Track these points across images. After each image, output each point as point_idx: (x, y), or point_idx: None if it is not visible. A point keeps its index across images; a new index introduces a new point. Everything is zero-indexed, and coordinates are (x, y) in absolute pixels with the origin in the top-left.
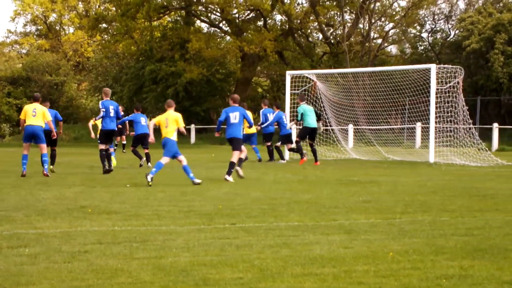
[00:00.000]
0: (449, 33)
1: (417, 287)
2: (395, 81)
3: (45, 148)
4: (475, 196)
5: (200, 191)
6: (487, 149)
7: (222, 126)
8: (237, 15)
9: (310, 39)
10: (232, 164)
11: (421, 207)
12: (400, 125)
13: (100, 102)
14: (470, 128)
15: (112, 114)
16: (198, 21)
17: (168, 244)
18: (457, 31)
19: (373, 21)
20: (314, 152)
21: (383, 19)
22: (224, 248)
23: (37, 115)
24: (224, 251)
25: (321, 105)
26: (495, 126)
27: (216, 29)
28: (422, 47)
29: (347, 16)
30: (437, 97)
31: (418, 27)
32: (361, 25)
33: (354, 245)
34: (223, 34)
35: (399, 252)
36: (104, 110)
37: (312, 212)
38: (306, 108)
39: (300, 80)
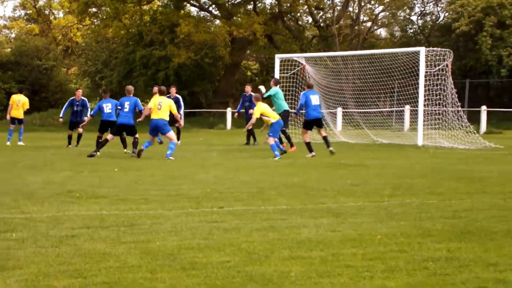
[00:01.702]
0: (438, 15)
1: (404, 269)
2: (384, 64)
3: (174, 138)
4: (463, 179)
5: (189, 175)
6: (475, 131)
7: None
8: None
9: (299, 22)
10: (326, 138)
11: (409, 190)
12: (389, 108)
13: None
14: (458, 111)
15: (127, 109)
16: (188, 5)
17: (156, 228)
18: (446, 14)
19: (362, 4)
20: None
21: (372, 2)
22: (212, 231)
23: (163, 108)
24: (211, 234)
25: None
26: (484, 108)
27: (205, 13)
28: (412, 30)
29: None
30: (426, 80)
31: (408, 10)
32: (350, 8)
33: (342, 228)
34: (212, 18)
35: (387, 235)
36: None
37: (300, 196)
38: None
39: (289, 64)
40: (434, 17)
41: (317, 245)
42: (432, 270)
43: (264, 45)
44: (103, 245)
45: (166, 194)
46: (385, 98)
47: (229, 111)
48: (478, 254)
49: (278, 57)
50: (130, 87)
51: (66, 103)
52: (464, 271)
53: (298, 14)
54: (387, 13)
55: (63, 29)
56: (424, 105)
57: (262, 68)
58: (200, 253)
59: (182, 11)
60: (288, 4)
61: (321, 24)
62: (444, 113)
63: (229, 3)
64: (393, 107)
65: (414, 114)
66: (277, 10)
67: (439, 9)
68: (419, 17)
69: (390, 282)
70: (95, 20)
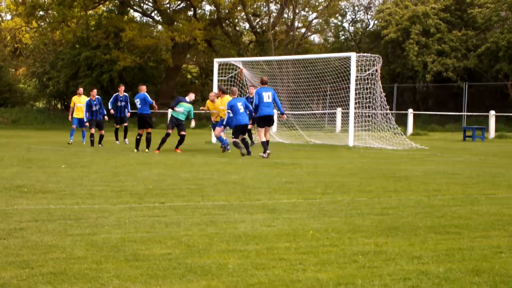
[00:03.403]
0: (368, 23)
1: (335, 262)
2: (317, 68)
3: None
4: (391, 178)
5: (132, 172)
6: (402, 133)
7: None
8: (168, 5)
9: (237, 28)
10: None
11: (340, 188)
12: (322, 110)
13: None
14: (387, 114)
15: (242, 110)
16: (131, 11)
17: (101, 222)
18: (376, 22)
19: (297, 11)
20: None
21: (306, 9)
22: (154, 225)
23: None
24: (153, 228)
25: (247, 91)
26: (410, 111)
27: (148, 18)
28: (344, 37)
29: (272, 6)
30: (356, 84)
31: (340, 17)
32: (286, 15)
33: (276, 223)
34: (155, 24)
35: (319, 230)
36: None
37: (237, 192)
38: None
39: (228, 67)
40: (364, 25)
41: (253, 239)
42: (361, 263)
43: (204, 50)
44: (50, 237)
45: (111, 189)
46: (318, 101)
47: (170, 111)
48: (404, 248)
49: (217, 61)
50: (235, 89)
51: (85, 107)
52: (391, 264)
53: (236, 20)
54: (321, 20)
55: (11, 31)
56: (355, 108)
57: (201, 71)
58: (143, 246)
59: (126, 17)
60: (227, 11)
61: (258, 30)
62: (373, 115)
63: (171, 9)
64: (326, 110)
65: (345, 116)
66: (216, 16)
67: (369, 17)
68: (350, 24)
69: (321, 274)
70: (42, 23)
